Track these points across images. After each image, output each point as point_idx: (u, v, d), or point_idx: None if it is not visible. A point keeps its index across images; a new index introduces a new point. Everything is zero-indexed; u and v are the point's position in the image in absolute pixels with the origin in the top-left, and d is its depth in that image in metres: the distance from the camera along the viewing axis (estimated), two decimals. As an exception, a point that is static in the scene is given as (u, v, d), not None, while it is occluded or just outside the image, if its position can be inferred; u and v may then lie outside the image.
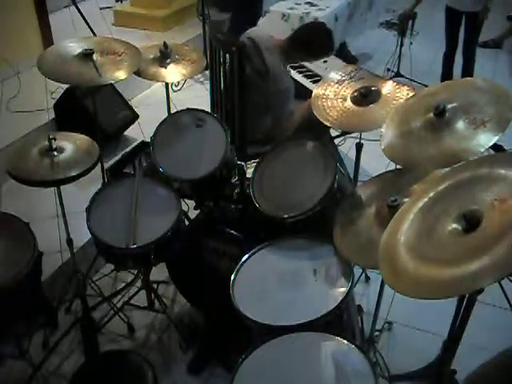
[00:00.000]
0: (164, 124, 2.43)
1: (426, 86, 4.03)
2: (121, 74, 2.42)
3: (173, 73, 2.69)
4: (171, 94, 2.90)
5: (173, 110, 2.78)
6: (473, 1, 4.05)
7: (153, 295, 2.54)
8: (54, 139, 2.24)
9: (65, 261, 2.73)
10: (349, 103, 2.27)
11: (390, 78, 2.76)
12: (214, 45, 2.85)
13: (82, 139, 2.36)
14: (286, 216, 2.02)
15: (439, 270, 1.29)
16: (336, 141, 3.47)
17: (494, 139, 1.70)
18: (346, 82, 2.37)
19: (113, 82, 2.54)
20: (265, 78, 2.78)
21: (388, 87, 2.28)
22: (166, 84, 2.83)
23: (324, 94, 2.34)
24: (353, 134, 3.19)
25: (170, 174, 2.28)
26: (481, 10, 4.02)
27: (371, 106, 2.22)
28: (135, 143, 3.20)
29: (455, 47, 4.39)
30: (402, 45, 4.68)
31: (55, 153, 2.23)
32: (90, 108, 2.94)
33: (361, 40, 5.54)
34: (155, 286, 2.64)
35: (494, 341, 2.44)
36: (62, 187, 2.27)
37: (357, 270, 2.02)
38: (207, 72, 3.14)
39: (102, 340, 2.46)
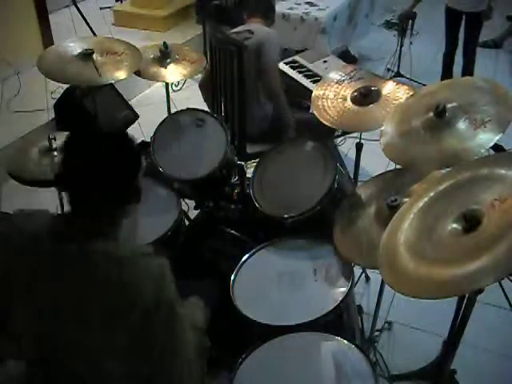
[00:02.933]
0: (164, 124, 2.43)
1: (425, 85, 4.03)
2: (121, 74, 2.42)
3: (173, 73, 2.70)
4: (171, 94, 2.91)
5: (173, 110, 2.78)
6: (473, 1, 4.04)
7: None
8: (54, 139, 2.25)
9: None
10: (349, 103, 2.27)
11: (390, 78, 2.77)
12: (214, 45, 2.85)
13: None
14: (286, 216, 2.02)
15: (439, 269, 1.29)
16: (336, 141, 3.47)
17: (494, 139, 1.70)
18: (346, 81, 2.37)
19: (113, 81, 2.55)
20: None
21: (388, 87, 2.28)
22: (166, 84, 2.83)
23: (324, 94, 2.35)
24: (353, 134, 3.19)
25: (170, 174, 2.28)
26: (484, 9, 4.01)
27: (371, 105, 2.22)
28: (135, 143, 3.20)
29: (455, 47, 4.39)
30: (402, 45, 4.67)
31: (55, 153, 2.23)
32: (89, 108, 2.94)
33: (361, 40, 5.54)
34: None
35: (494, 341, 2.44)
36: (62, 187, 2.27)
37: (357, 270, 2.02)
38: (207, 72, 3.14)
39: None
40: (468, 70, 4.31)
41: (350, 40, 5.16)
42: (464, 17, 4.17)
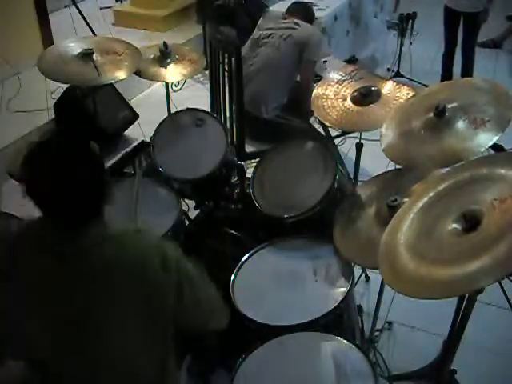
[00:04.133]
0: (164, 124, 2.43)
1: (426, 85, 4.02)
2: (121, 74, 2.42)
3: (173, 73, 2.69)
4: (171, 94, 2.91)
5: (173, 110, 2.78)
6: (471, 1, 4.05)
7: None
8: (54, 139, 2.24)
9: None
10: (349, 103, 2.27)
11: (390, 78, 2.77)
12: (213, 45, 2.85)
13: (82, 139, 2.35)
14: (286, 216, 2.02)
15: (439, 269, 1.29)
16: (336, 141, 3.47)
17: (494, 139, 1.70)
18: (346, 81, 2.37)
19: (113, 81, 2.55)
20: None
21: (388, 87, 2.29)
22: (166, 84, 2.83)
23: (324, 94, 2.35)
24: (353, 134, 3.19)
25: (170, 174, 2.28)
26: (481, 12, 4.01)
27: (371, 105, 2.23)
28: (135, 143, 3.20)
29: (454, 47, 4.39)
30: (402, 45, 4.67)
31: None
32: (89, 108, 2.94)
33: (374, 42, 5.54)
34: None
35: (494, 341, 2.44)
36: (62, 187, 2.26)
37: (357, 270, 2.02)
38: (207, 72, 3.14)
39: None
40: (467, 70, 4.32)
41: (364, 43, 5.15)
42: (462, 17, 4.18)
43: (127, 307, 1.26)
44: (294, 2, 3.54)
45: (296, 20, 3.11)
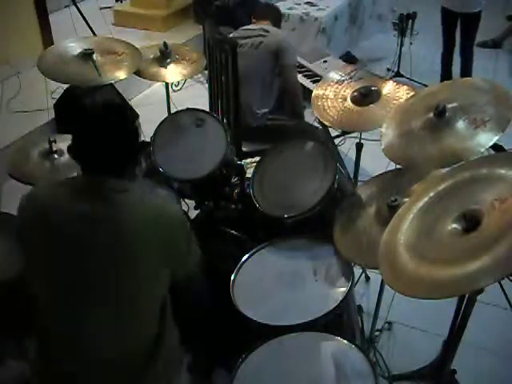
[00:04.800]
0: (164, 124, 2.43)
1: (426, 85, 4.03)
2: (121, 74, 2.43)
3: (173, 73, 2.70)
4: (171, 94, 2.91)
5: (173, 110, 2.78)
6: (466, 2, 4.05)
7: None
8: (55, 142, 2.24)
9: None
10: (349, 103, 2.27)
11: (390, 78, 2.77)
12: (211, 45, 2.85)
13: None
14: (286, 216, 2.02)
15: (439, 269, 1.29)
16: (336, 141, 3.47)
17: (494, 139, 1.70)
18: (346, 81, 2.37)
19: (113, 81, 2.55)
20: None
21: (388, 87, 2.29)
22: (166, 84, 2.83)
23: (324, 94, 2.35)
24: (353, 134, 3.19)
25: (170, 174, 2.28)
26: (481, 10, 4.01)
27: (371, 105, 2.23)
28: (135, 143, 3.20)
29: (453, 47, 4.39)
30: (402, 45, 4.68)
31: (56, 155, 2.23)
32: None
33: (364, 40, 5.54)
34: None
35: (494, 341, 2.44)
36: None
37: (357, 270, 2.02)
38: (207, 72, 3.15)
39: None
40: (466, 69, 4.32)
41: (356, 41, 5.17)
42: (459, 17, 4.18)
43: (140, 260, 1.40)
44: (263, 5, 3.54)
45: (264, 27, 3.08)
